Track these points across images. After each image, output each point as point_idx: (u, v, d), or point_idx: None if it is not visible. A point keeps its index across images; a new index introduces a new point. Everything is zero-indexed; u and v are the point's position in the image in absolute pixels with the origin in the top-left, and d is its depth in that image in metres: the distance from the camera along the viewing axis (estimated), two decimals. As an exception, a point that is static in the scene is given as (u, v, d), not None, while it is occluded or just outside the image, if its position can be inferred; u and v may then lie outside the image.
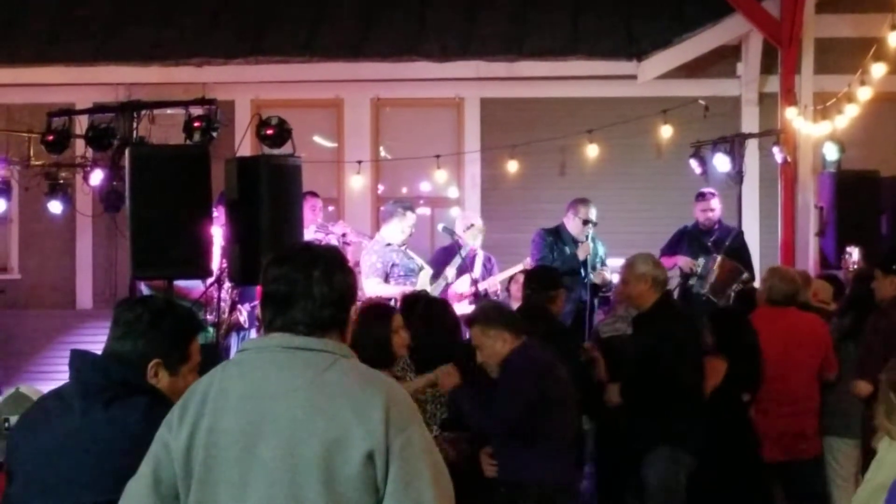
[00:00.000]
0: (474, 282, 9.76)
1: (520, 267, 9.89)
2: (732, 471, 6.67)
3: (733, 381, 6.79)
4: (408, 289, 9.07)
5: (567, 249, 9.79)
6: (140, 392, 3.44)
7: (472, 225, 10.26)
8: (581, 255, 9.73)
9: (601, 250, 9.98)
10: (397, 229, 9.65)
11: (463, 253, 9.83)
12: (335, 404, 2.84)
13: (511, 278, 9.78)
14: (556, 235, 9.91)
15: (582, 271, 9.71)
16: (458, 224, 10.37)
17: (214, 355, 8.66)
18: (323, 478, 2.80)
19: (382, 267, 9.49)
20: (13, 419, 4.38)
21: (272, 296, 3.01)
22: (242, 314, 9.35)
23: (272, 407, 2.87)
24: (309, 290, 2.97)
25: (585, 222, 9.84)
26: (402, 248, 9.66)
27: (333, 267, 3.03)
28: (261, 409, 2.88)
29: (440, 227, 10.28)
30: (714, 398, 6.70)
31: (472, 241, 10.14)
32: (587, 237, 9.80)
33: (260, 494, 2.83)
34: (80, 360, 3.53)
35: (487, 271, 10.15)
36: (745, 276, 10.02)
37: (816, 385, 7.34)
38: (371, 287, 9.47)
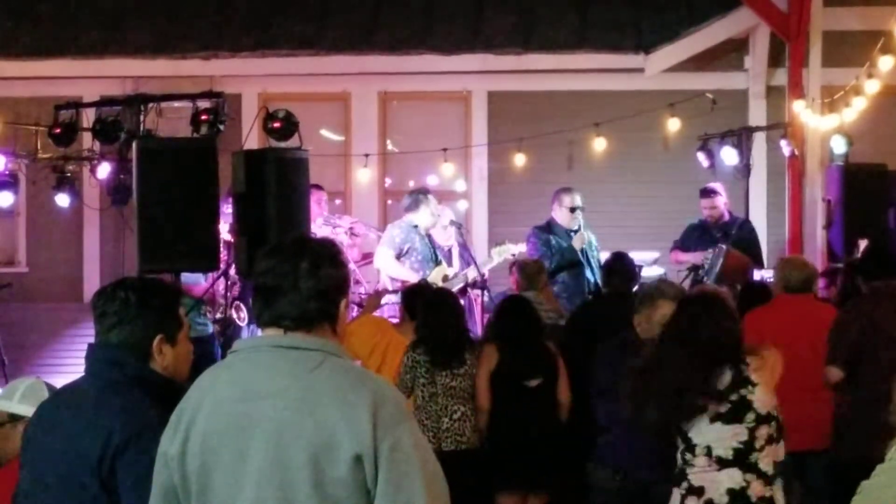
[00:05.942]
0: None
1: (513, 249, 9.80)
2: None
3: None
4: (418, 276, 9.16)
5: (563, 243, 9.73)
6: (150, 385, 3.43)
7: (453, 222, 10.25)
8: (577, 245, 9.67)
9: (593, 239, 9.92)
10: (426, 213, 9.73)
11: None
12: (323, 405, 2.79)
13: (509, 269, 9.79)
14: (549, 231, 9.80)
15: (583, 262, 9.67)
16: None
17: (211, 353, 8.72)
18: (313, 480, 2.77)
19: (400, 243, 9.59)
20: None
21: (260, 288, 2.96)
22: (242, 311, 9.33)
23: (261, 409, 2.83)
24: (296, 282, 2.91)
25: (573, 210, 9.77)
26: (427, 235, 9.73)
27: (322, 260, 2.95)
28: (251, 411, 2.84)
29: (447, 221, 10.27)
30: None
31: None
32: (579, 226, 9.75)
33: (251, 497, 2.80)
34: (94, 354, 3.51)
35: (466, 262, 10.06)
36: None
37: None
38: (381, 256, 9.56)
